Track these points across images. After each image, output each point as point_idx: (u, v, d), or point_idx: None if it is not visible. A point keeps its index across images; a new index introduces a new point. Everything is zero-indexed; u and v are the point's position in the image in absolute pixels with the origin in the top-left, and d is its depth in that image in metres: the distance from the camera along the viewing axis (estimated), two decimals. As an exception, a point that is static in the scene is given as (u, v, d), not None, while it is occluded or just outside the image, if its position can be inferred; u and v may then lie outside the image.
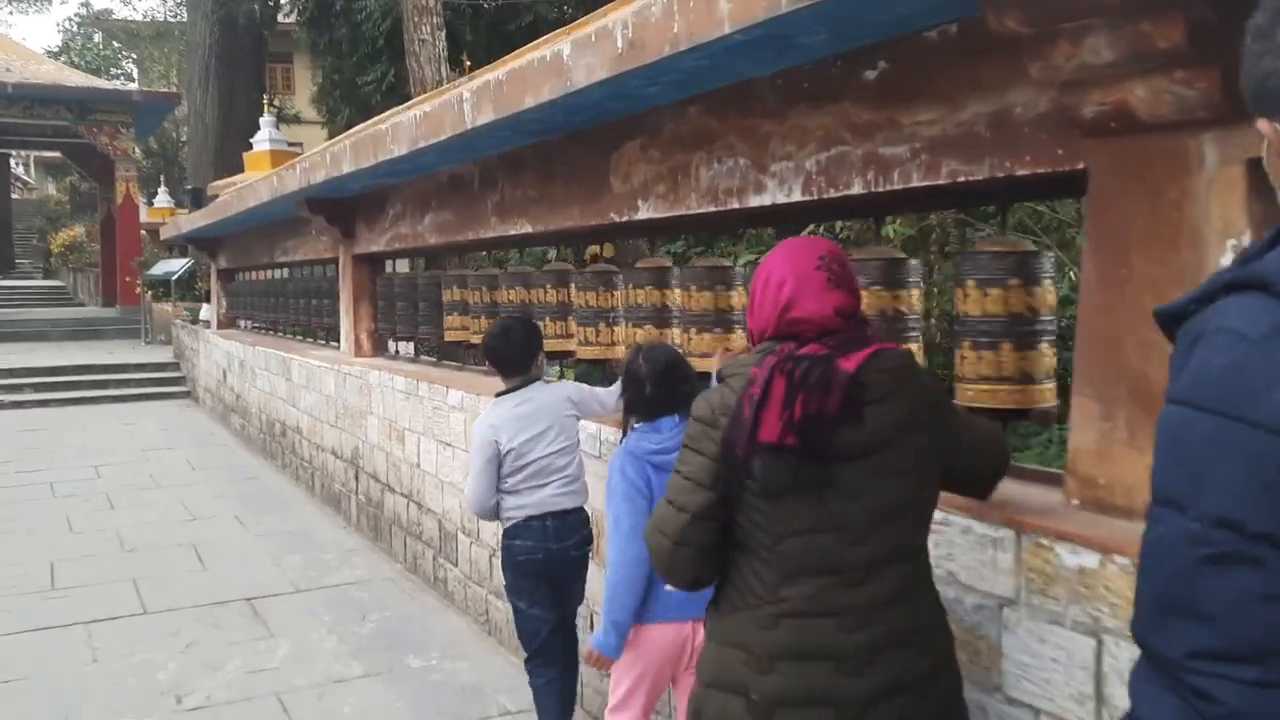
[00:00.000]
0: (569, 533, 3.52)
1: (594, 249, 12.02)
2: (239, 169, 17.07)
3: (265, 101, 17.09)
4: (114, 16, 38.67)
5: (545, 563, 3.48)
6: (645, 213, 3.92)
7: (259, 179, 8.07)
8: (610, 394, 3.73)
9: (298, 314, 9.47)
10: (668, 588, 2.15)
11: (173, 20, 36.05)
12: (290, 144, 17.27)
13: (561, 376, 5.52)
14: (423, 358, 7.20)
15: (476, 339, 5.82)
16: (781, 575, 1.87)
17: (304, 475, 8.55)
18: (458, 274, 6.18)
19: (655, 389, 2.81)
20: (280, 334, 11.07)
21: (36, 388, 14.51)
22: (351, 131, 6.70)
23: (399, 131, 4.85)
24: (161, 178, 27.27)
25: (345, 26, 16.15)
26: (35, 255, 38.54)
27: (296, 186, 6.66)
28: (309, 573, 6.18)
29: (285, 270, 10.85)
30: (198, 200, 19.03)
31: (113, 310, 22.27)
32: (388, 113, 5.89)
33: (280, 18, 22.02)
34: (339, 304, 8.12)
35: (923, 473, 1.95)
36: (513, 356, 3.61)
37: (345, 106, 16.89)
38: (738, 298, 3.92)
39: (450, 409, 5.50)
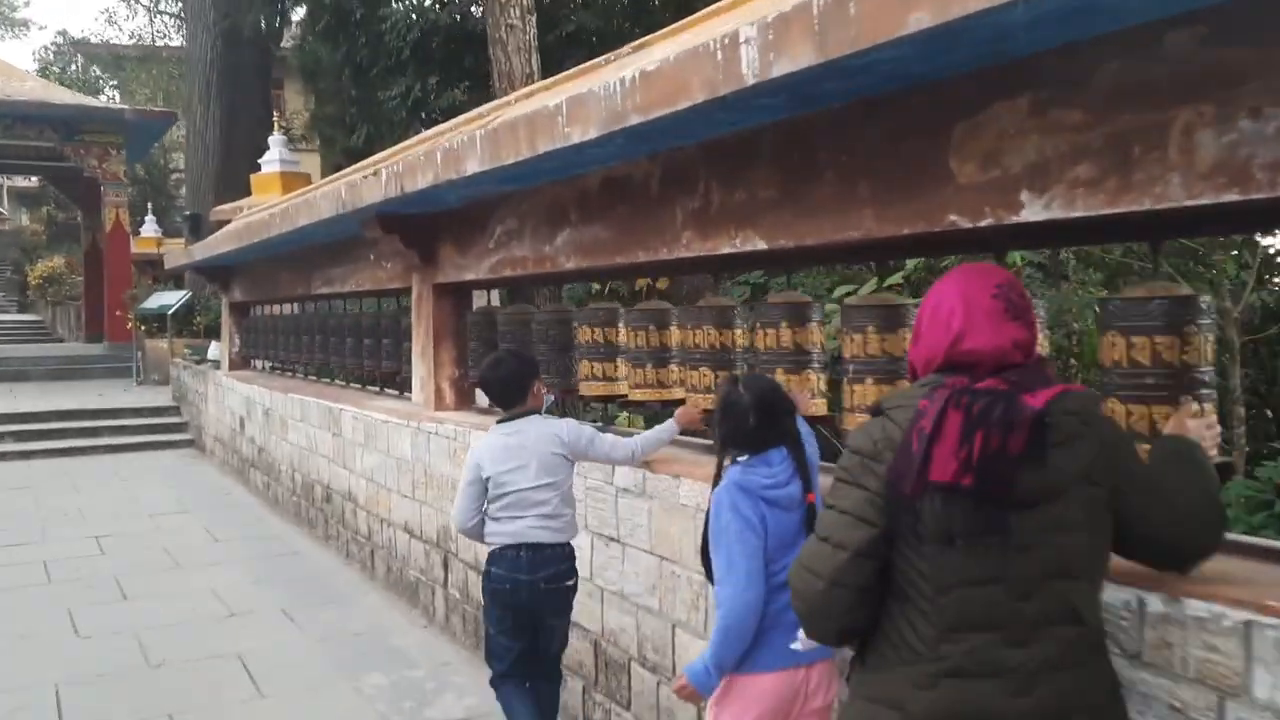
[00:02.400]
0: (541, 566, 3.56)
1: (645, 281, 10.64)
2: (241, 193, 15.61)
3: (274, 120, 15.61)
4: (95, 41, 37.12)
5: (513, 593, 3.56)
6: (1040, 211, 2.49)
7: (316, 190, 6.59)
8: (626, 446, 3.76)
9: (344, 355, 7.96)
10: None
11: (160, 43, 34.65)
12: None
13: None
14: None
15: (641, 395, 4.37)
16: (943, 629, 1.74)
17: (359, 553, 7.01)
18: (603, 308, 4.74)
19: (760, 420, 2.65)
20: (311, 377, 9.55)
21: (18, 436, 12.85)
22: (458, 122, 5.29)
23: (585, 108, 3.41)
24: (149, 205, 25.68)
25: (365, 37, 14.75)
26: (10, 288, 36.99)
27: (380, 196, 5.19)
28: (403, 703, 4.66)
29: (308, 304, 9.39)
30: (196, 227, 17.56)
31: (99, 347, 20.64)
32: (528, 91, 4.47)
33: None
34: (406, 344, 6.64)
35: (1095, 529, 1.79)
36: (503, 389, 3.71)
37: (364, 124, 15.47)
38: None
39: (617, 490, 4.04)
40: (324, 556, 7.45)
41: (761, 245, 3.46)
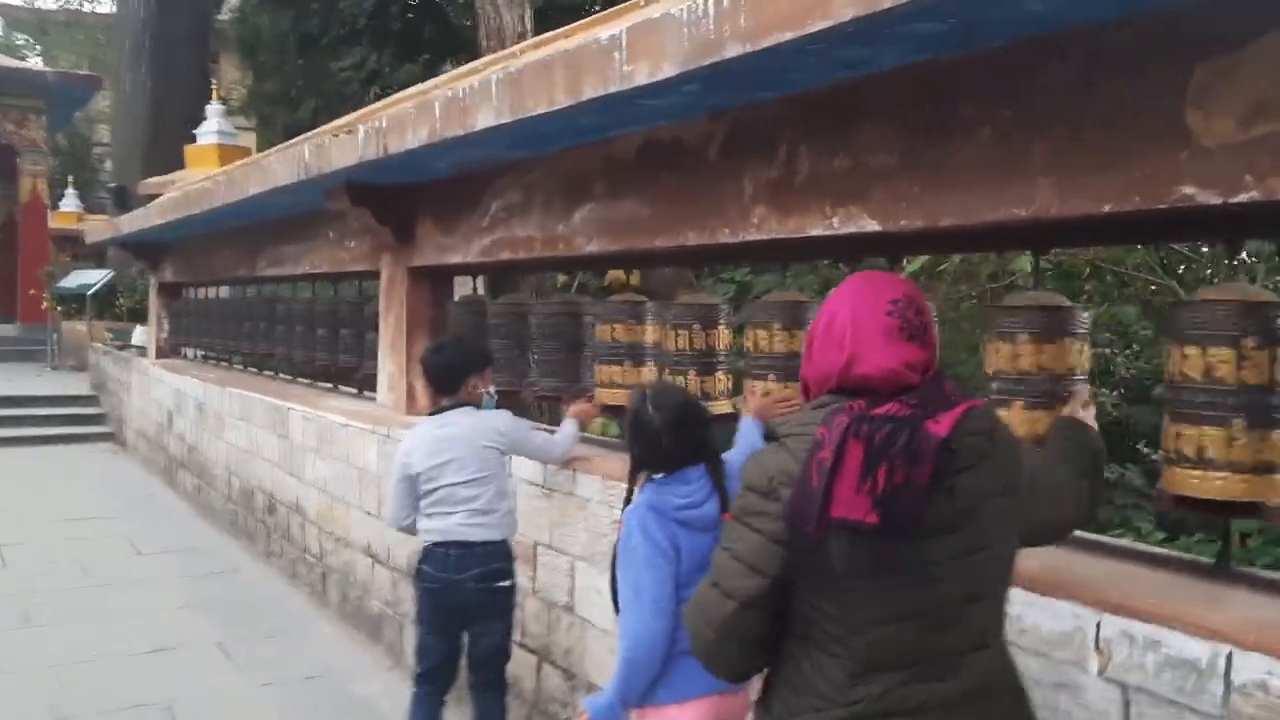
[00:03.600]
0: (470, 564, 3.42)
1: (616, 274, 9.88)
2: (174, 165, 14.44)
3: (213, 88, 14.46)
4: (18, 4, 35.10)
5: (441, 593, 3.44)
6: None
7: (273, 155, 5.67)
8: (558, 445, 3.72)
9: (293, 346, 7.04)
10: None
11: (87, 8, 32.86)
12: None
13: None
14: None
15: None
16: (854, 671, 1.65)
17: (308, 575, 6.12)
18: (629, 300, 3.95)
19: (673, 440, 2.46)
20: (252, 369, 8.58)
21: (-87, 424, 11.62)
22: (447, 78, 4.47)
23: (657, 37, 2.61)
24: (70, 178, 24.10)
25: (317, 4, 13.72)
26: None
27: (355, 158, 4.33)
28: (373, 774, 3.83)
29: (250, 287, 8.46)
30: (121, 201, 16.27)
31: (10, 328, 19.16)
32: (534, 41, 3.64)
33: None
34: (371, 336, 5.79)
35: (1007, 542, 1.75)
36: (438, 376, 3.60)
37: (311, 98, 14.42)
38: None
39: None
40: (266, 576, 6.53)
41: (872, 226, 2.71)
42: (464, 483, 3.43)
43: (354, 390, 6.47)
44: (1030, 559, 2.40)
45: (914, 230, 2.62)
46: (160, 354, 10.50)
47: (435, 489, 3.44)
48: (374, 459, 5.22)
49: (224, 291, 9.56)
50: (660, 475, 2.49)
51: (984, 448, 1.69)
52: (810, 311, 3.27)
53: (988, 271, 9.29)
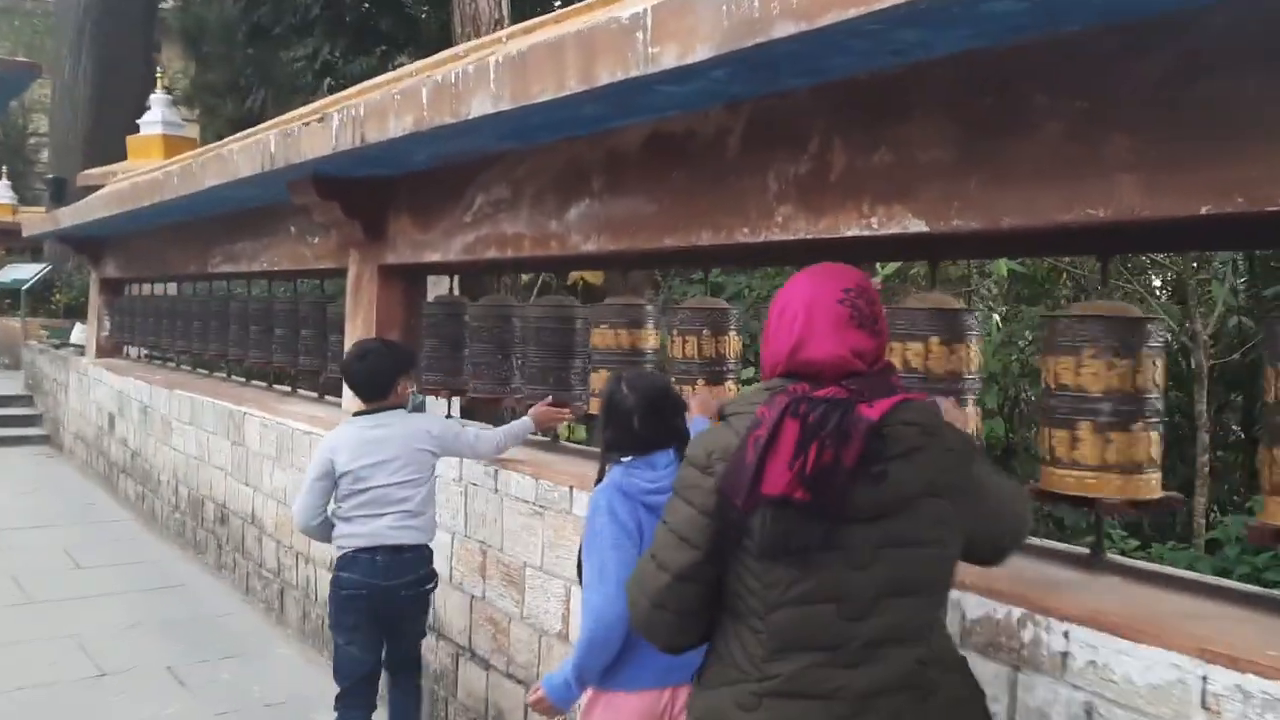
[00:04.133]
0: (401, 570, 3.34)
1: (579, 275, 9.61)
2: (116, 156, 13.87)
3: (158, 76, 13.89)
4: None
5: (370, 600, 3.33)
6: None
7: (234, 144, 5.30)
8: (489, 440, 3.66)
9: (248, 347, 6.65)
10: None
11: (24, -6, 31.78)
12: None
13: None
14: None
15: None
16: (771, 649, 1.68)
17: (264, 591, 5.75)
18: (630, 303, 3.69)
19: (644, 422, 2.45)
20: (201, 371, 8.16)
21: None
22: (445, 56, 4.19)
23: (690, 17, 2.34)
24: (4, 169, 23.19)
25: (270, -9, 13.28)
26: None
27: (329, 148, 4.01)
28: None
29: (199, 284, 8.05)
30: (59, 193, 15.66)
31: (-62, 323, 18.31)
32: (525, 26, 3.37)
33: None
34: (335, 338, 5.46)
35: (944, 544, 1.72)
36: (369, 381, 3.48)
37: (261, 89, 13.95)
38: None
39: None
40: (217, 591, 6.14)
41: (918, 226, 2.48)
42: (399, 484, 3.35)
43: (314, 395, 6.11)
44: (1103, 596, 2.19)
45: (968, 231, 2.39)
46: (100, 353, 10.00)
47: (365, 489, 3.33)
48: (340, 470, 4.88)
49: (171, 288, 9.11)
50: (629, 458, 2.47)
51: (917, 439, 1.68)
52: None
53: (958, 274, 9.21)
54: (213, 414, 6.47)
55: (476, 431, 3.72)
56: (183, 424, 7.02)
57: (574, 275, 10.25)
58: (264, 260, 6.22)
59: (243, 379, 7.33)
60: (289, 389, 6.46)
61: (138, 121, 13.49)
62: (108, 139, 14.95)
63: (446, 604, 4.08)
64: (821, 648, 1.65)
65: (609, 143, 3.44)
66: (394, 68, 12.61)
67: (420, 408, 4.15)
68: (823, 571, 1.64)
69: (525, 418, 3.77)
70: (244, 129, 12.73)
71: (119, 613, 5.60)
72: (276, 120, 5.55)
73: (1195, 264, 8.41)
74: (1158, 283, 10.04)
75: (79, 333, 11.30)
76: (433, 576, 3.49)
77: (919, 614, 1.71)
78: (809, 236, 2.77)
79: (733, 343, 3.47)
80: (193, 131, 16.95)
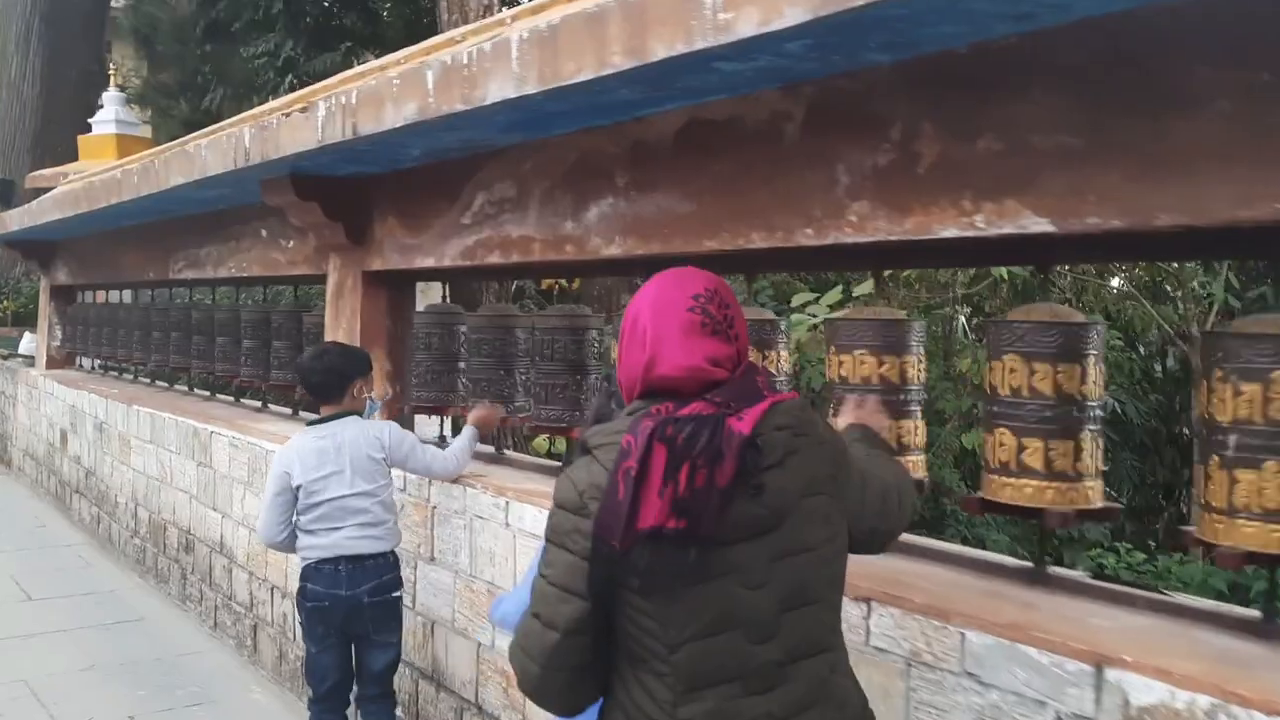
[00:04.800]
0: (363, 578, 3.31)
1: (554, 281, 9.18)
2: (67, 156, 13.24)
3: (110, 73, 13.26)
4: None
5: (333, 610, 3.31)
6: None
7: (202, 139, 4.80)
8: (438, 458, 3.54)
9: (213, 360, 6.15)
10: None
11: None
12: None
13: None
14: (509, 453, 4.15)
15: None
16: (680, 690, 1.56)
17: (235, 626, 5.26)
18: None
19: None
20: (160, 384, 7.62)
21: None
22: (442, 40, 3.78)
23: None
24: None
25: (226, -13, 12.72)
26: None
27: (314, 142, 3.57)
28: None
29: (158, 291, 7.53)
30: (6, 195, 14.90)
31: (-123, 332, 17.45)
32: (533, 6, 2.94)
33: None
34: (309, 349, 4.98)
35: (833, 543, 1.65)
36: (321, 382, 3.43)
37: (220, 86, 13.37)
38: None
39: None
40: (182, 626, 5.64)
41: (1040, 225, 2.10)
42: (353, 495, 3.32)
43: (288, 411, 5.63)
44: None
45: (1107, 230, 2.01)
46: (51, 364, 9.40)
47: (319, 503, 3.31)
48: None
49: (127, 295, 8.57)
50: None
51: (791, 443, 1.60)
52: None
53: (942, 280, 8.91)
54: (176, 432, 5.97)
55: (435, 450, 3.59)
56: (142, 442, 6.50)
57: (547, 281, 9.80)
58: (231, 266, 5.73)
59: (207, 393, 6.80)
60: (259, 405, 5.96)
61: (90, 121, 12.87)
62: (58, 139, 14.27)
63: (449, 651, 3.64)
64: (733, 678, 1.57)
65: (635, 133, 3.04)
66: (360, 64, 12.18)
67: (374, 412, 3.94)
68: (718, 600, 1.55)
69: (468, 427, 3.68)
70: (199, 130, 12.16)
71: (74, 653, 5.08)
72: (246, 115, 5.07)
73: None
74: (1115, 282, 9.83)
75: (28, 343, 10.67)
76: (398, 584, 3.44)
77: (821, 620, 1.64)
78: (892, 238, 2.38)
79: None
80: (146, 133, 16.34)
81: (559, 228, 3.34)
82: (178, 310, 6.83)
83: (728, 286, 1.71)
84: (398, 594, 3.45)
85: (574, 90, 2.54)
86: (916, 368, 2.71)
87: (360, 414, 3.50)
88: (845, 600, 1.89)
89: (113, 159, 10.99)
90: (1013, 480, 2.39)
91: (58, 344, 9.42)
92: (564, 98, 2.64)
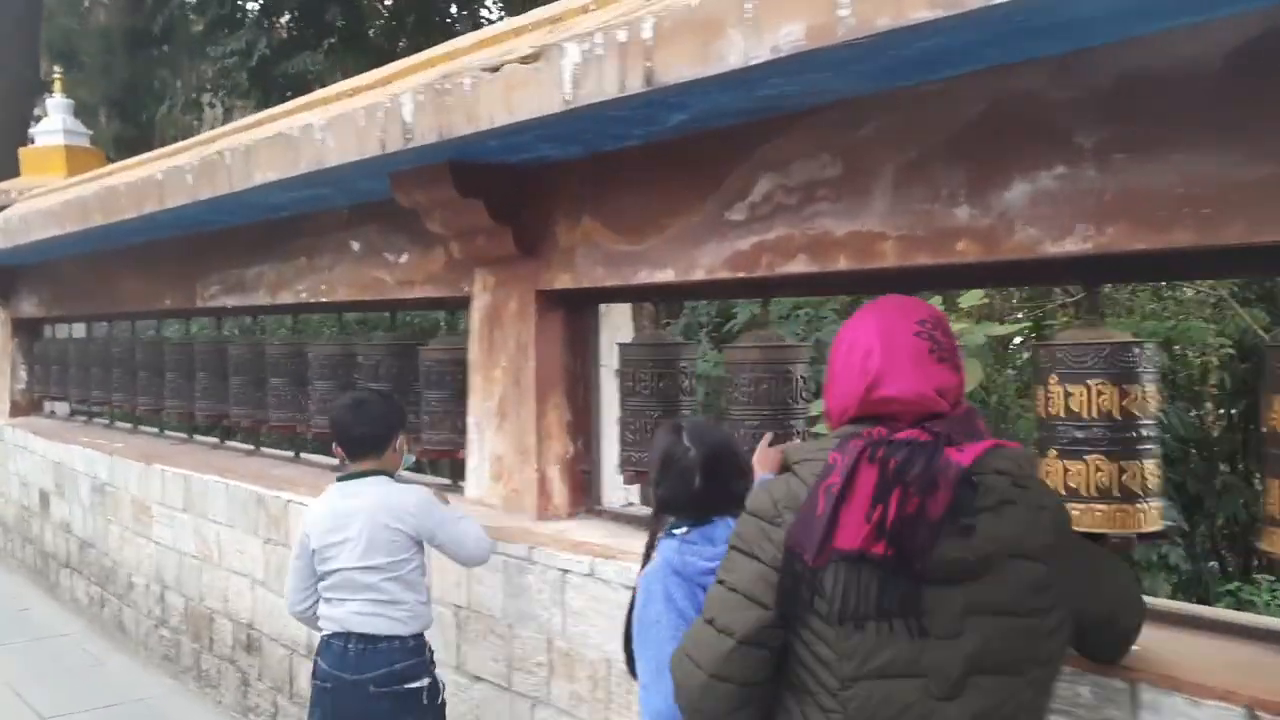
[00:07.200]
0: (373, 663, 2.85)
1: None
2: (6, 172, 11.78)
3: (55, 79, 11.80)
4: None
5: (336, 695, 2.86)
6: None
7: (310, 114, 3.62)
8: (469, 538, 2.98)
9: (282, 407, 4.88)
10: None
11: None
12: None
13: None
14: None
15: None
16: None
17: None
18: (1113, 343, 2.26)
19: (708, 481, 2.12)
20: (178, 436, 6.35)
21: None
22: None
23: None
24: None
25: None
26: None
27: (536, 109, 2.48)
28: None
29: (140, 323, 6.30)
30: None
31: None
32: None
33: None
34: (433, 394, 3.87)
35: (1042, 616, 1.49)
36: (366, 434, 2.99)
37: (182, 91, 12.03)
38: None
39: None
40: (254, 751, 4.43)
41: None
42: (361, 569, 2.87)
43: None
44: None
45: None
46: (16, 410, 8.00)
47: (331, 571, 2.92)
48: (491, 594, 3.30)
49: (105, 328, 7.27)
50: (684, 529, 2.11)
51: (1009, 491, 1.49)
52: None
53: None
54: (226, 498, 4.74)
55: (468, 527, 3.00)
56: (171, 510, 5.24)
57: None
58: (302, 290, 4.54)
59: (250, 446, 5.57)
60: (338, 462, 4.78)
61: (30, 132, 11.46)
62: (-9, 152, 12.74)
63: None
64: None
65: (1119, 62, 2.02)
66: (345, 64, 10.94)
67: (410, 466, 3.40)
68: (905, 640, 1.43)
69: None
70: (134, 150, 10.80)
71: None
72: (346, 85, 3.91)
73: None
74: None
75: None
76: (421, 673, 2.91)
77: (1018, 697, 1.47)
78: None
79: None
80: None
81: (940, 217, 2.31)
82: (205, 346, 5.58)
83: (946, 317, 1.65)
84: (415, 685, 2.90)
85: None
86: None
87: (391, 474, 3.03)
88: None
89: (62, 173, 9.76)
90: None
91: (22, 387, 8.02)
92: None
